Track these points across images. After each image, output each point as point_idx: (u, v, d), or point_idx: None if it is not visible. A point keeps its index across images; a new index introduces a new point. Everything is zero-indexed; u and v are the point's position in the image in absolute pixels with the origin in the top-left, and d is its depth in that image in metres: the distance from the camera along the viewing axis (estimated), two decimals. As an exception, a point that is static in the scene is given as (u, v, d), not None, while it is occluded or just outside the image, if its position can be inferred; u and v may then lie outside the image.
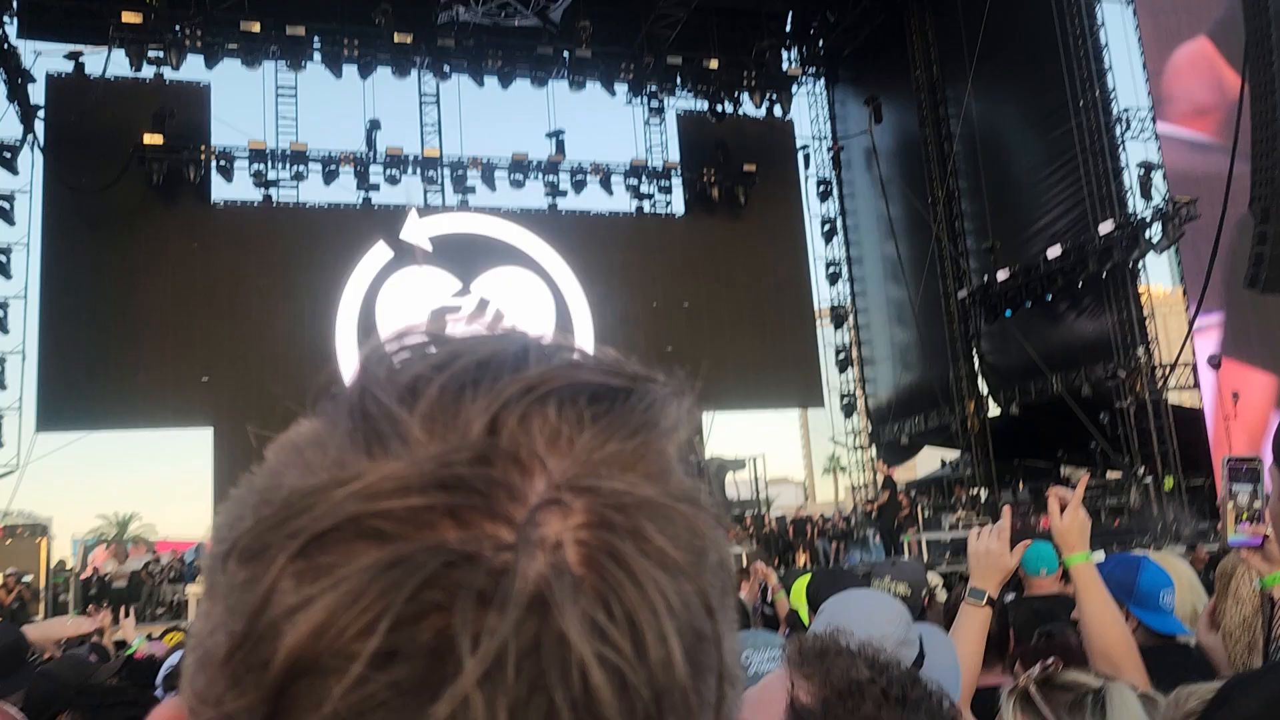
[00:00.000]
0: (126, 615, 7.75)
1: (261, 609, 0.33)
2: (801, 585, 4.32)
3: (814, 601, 3.85)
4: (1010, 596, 7.01)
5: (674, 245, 21.68)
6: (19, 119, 18.46)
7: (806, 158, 23.92)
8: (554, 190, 20.92)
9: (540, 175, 20.79)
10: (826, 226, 24.01)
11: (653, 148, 22.34)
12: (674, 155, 22.31)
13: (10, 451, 18.58)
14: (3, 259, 18.72)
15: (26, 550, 16.07)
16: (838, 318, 24.32)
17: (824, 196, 24.02)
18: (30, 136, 18.55)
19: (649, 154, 22.21)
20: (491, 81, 20.35)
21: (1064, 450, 20.91)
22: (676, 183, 22.20)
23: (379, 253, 19.61)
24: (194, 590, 15.01)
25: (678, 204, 22.35)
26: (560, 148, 20.95)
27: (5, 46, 17.65)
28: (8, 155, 18.60)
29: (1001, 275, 19.90)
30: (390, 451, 0.35)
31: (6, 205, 18.66)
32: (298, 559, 0.33)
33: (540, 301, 20.48)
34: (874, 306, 24.49)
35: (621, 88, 21.62)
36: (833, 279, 24.12)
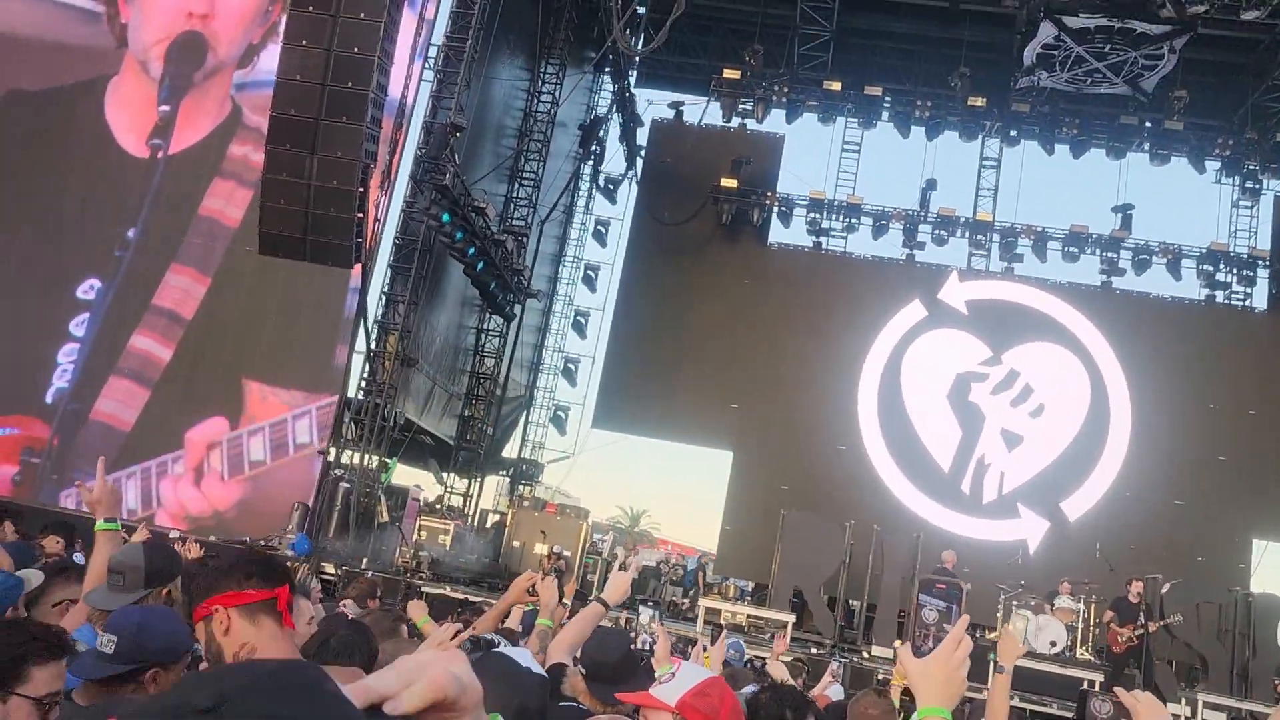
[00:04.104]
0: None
1: None
2: None
3: None
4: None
5: (1248, 343, 18.98)
6: (624, 157, 21.50)
7: None
8: (1111, 267, 19.39)
9: (1098, 250, 19.40)
10: None
11: (1238, 233, 19.79)
12: (1263, 243, 19.57)
13: (570, 440, 21.58)
14: (591, 274, 21.85)
15: (570, 529, 18.34)
16: None
17: None
18: (631, 173, 21.48)
19: (1232, 239, 19.71)
20: (1062, 149, 19.45)
21: None
22: (1262, 274, 19.43)
23: (914, 310, 19.67)
24: (705, 601, 16.13)
25: (1259, 298, 19.55)
26: (1126, 223, 19.40)
27: (627, 95, 20.60)
28: (610, 187, 21.71)
29: None
30: None
31: (603, 229, 21.77)
32: None
33: (1075, 383, 19.09)
34: None
35: (1212, 164, 19.49)
36: None
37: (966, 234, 19.95)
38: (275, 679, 0.77)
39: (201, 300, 16.10)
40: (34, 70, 17.21)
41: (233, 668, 0.81)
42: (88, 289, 16.47)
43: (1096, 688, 12.22)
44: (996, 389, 19.28)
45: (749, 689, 4.32)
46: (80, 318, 16.38)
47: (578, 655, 3.48)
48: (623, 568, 4.32)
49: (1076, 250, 19.43)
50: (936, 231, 19.79)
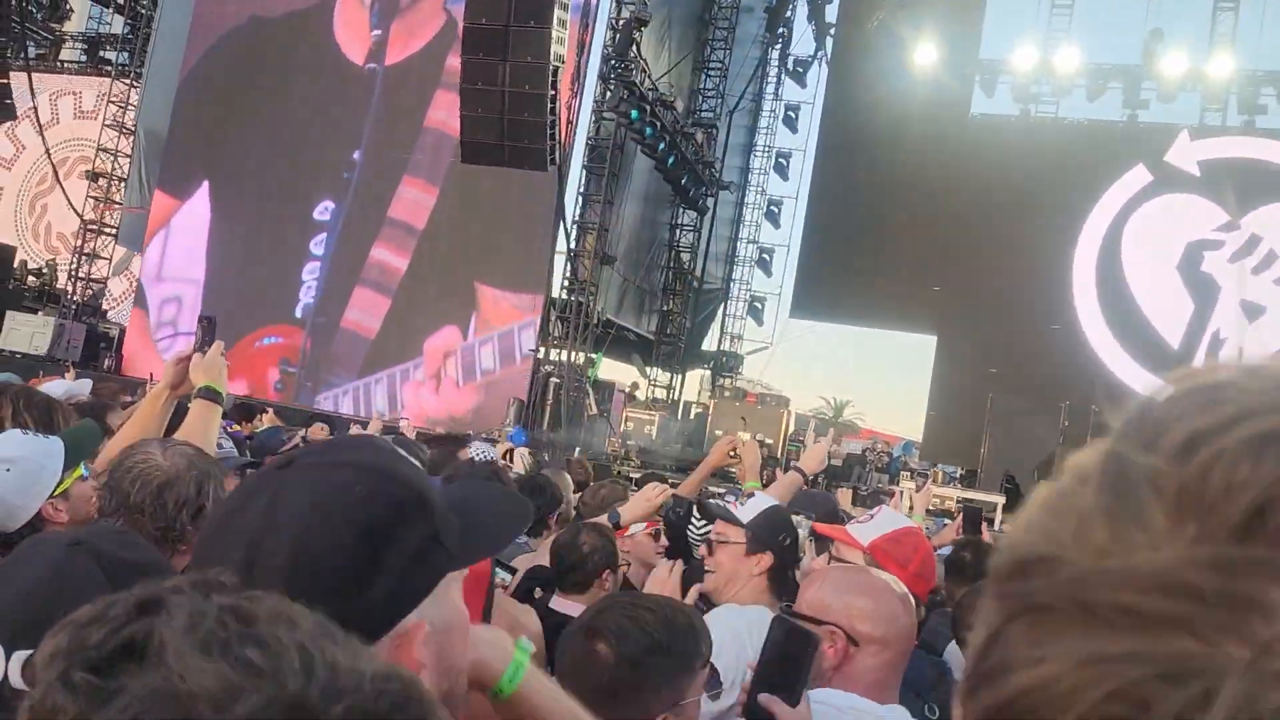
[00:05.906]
0: None
1: (989, 646, 0.36)
2: None
3: None
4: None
5: None
6: (813, 36, 20.70)
7: None
8: (1377, 112, 17.13)
9: (1361, 93, 17.14)
10: None
11: None
12: None
13: (767, 331, 21.65)
14: (784, 162, 21.46)
15: (771, 417, 18.51)
16: None
17: None
18: (821, 53, 20.70)
19: None
20: (1316, -21, 17.13)
21: None
22: None
23: (1136, 175, 18.17)
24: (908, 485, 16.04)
25: None
26: (1397, 59, 16.98)
27: (814, -32, 19.74)
28: (800, 70, 21.07)
29: None
30: (1133, 531, 0.32)
31: (793, 115, 21.24)
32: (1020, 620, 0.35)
33: (1331, 246, 17.19)
34: None
35: None
36: None
37: (1199, 88, 18.05)
38: None
39: (431, 210, 17.08)
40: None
41: None
42: (323, 210, 17.81)
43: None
44: (1235, 256, 17.64)
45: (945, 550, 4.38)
46: (319, 236, 17.78)
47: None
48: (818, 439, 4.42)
49: (1333, 96, 17.24)
50: (1163, 87, 18.02)
